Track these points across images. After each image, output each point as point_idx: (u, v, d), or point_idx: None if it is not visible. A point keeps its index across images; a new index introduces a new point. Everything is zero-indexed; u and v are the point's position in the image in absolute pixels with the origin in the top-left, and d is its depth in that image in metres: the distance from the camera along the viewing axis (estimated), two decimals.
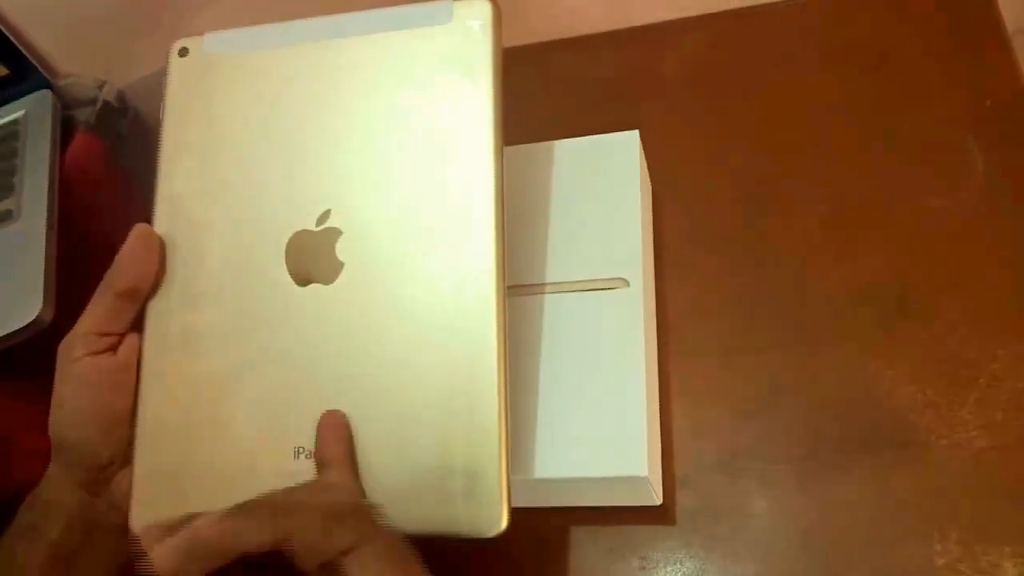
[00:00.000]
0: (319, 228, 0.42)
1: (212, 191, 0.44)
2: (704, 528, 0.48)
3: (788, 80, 0.60)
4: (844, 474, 0.47)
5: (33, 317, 0.52)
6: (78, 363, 0.41)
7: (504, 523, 0.38)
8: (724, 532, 0.47)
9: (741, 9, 0.65)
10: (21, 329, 0.52)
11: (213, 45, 0.47)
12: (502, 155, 0.42)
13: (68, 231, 0.57)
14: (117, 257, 0.42)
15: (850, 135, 0.57)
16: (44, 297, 0.53)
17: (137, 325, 0.43)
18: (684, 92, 0.63)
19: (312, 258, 0.42)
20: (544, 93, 0.64)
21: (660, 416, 0.50)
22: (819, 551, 0.46)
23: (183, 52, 0.47)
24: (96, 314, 0.42)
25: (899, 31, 0.60)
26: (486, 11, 0.44)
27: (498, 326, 0.39)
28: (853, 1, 0.62)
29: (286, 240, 0.42)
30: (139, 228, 0.44)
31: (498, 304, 0.40)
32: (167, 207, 0.45)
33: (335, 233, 0.42)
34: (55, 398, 0.41)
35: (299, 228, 0.43)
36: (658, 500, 0.47)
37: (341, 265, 0.42)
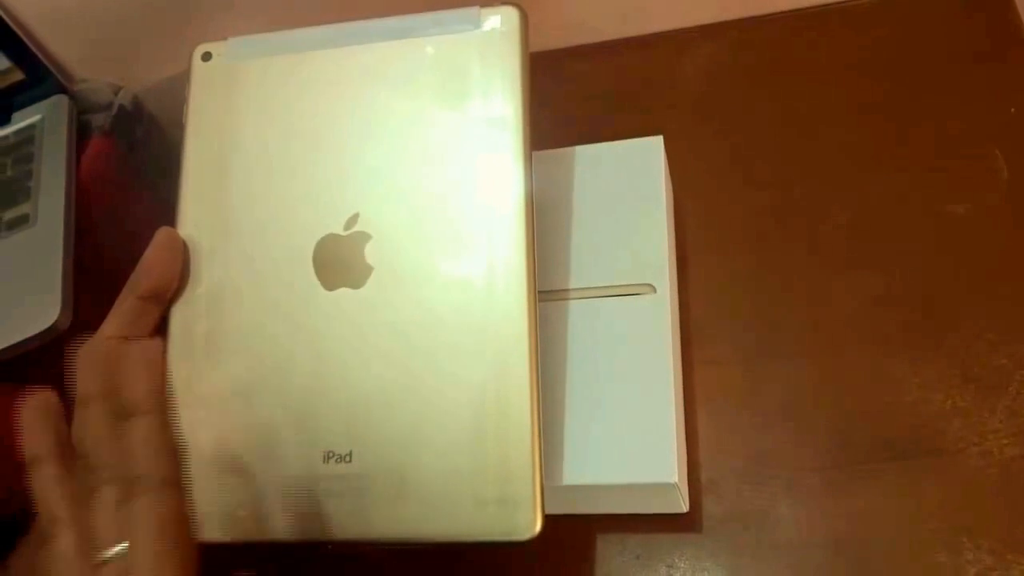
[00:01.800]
0: (347, 232, 0.42)
1: (237, 195, 0.44)
2: (731, 536, 0.47)
3: (809, 87, 0.60)
4: (873, 481, 0.46)
5: (51, 323, 0.52)
6: None
7: (538, 526, 0.37)
8: (751, 540, 0.47)
9: (762, 16, 0.64)
10: (38, 335, 0.51)
11: (236, 49, 0.47)
12: (531, 159, 0.42)
13: (83, 236, 0.57)
14: (141, 260, 0.42)
15: (872, 142, 0.57)
16: (62, 303, 0.52)
17: (161, 329, 0.43)
18: (703, 99, 0.63)
19: (341, 262, 0.42)
20: (561, 100, 0.64)
21: (685, 423, 0.49)
22: (848, 559, 0.45)
23: (206, 56, 0.47)
24: (119, 318, 0.41)
25: (920, 39, 0.60)
26: (513, 17, 0.44)
27: (530, 329, 0.39)
28: (874, 9, 0.62)
29: (314, 244, 0.42)
30: (163, 231, 0.43)
31: (530, 307, 0.40)
32: (191, 210, 0.44)
33: (364, 237, 0.42)
34: None
35: (327, 232, 0.42)
36: (685, 507, 0.47)
37: (370, 269, 0.41)
